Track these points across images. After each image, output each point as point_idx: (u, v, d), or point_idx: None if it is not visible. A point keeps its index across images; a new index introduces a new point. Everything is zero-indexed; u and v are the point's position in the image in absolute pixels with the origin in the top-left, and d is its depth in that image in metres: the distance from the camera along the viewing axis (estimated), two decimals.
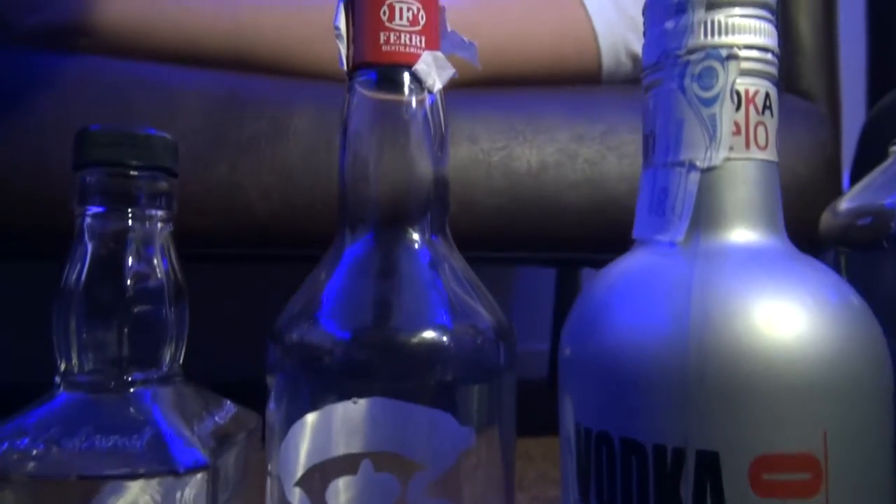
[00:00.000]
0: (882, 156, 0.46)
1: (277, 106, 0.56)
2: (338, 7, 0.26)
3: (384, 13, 0.24)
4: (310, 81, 0.58)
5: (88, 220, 0.23)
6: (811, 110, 0.67)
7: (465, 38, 0.28)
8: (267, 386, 0.24)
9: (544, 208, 0.57)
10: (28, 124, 0.52)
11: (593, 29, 0.62)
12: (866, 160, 0.64)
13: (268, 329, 0.24)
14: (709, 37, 0.17)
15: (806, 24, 0.72)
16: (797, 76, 0.72)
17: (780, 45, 0.73)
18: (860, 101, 0.77)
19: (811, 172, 0.62)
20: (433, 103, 0.25)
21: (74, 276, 0.22)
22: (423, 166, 0.24)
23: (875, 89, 0.75)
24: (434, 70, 0.24)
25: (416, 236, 0.23)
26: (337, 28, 0.25)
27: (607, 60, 0.64)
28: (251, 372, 0.39)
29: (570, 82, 0.65)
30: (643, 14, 0.19)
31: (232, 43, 0.58)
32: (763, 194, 0.17)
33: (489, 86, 0.63)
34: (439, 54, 0.25)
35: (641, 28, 0.63)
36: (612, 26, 0.63)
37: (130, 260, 0.23)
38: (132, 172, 0.23)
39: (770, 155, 0.18)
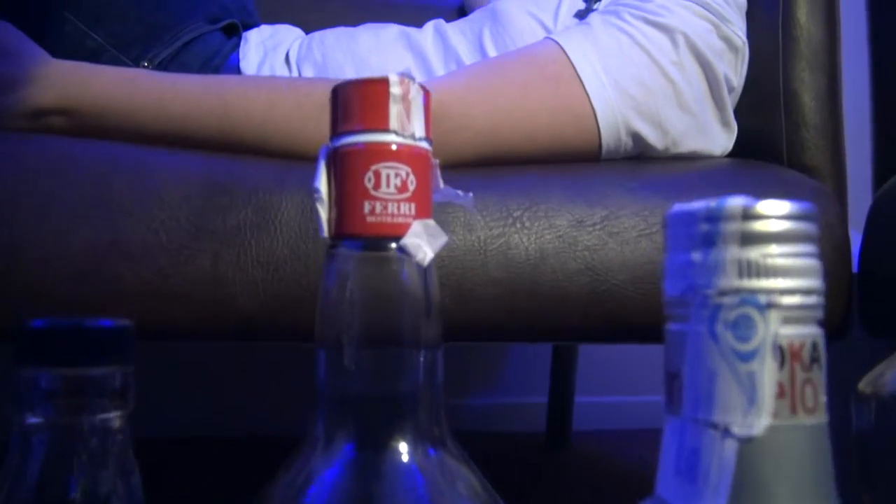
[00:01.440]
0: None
1: (264, 191, 0.53)
2: (318, 165, 0.24)
3: (369, 180, 0.22)
4: (299, 164, 0.56)
5: (28, 430, 0.21)
6: (816, 188, 0.65)
7: (460, 191, 0.25)
8: None
9: (543, 298, 0.55)
10: (1, 215, 0.50)
11: (592, 107, 0.61)
12: (876, 245, 0.62)
13: None
14: (744, 278, 0.15)
15: (809, 98, 0.70)
16: (800, 150, 0.70)
17: (782, 117, 0.71)
18: (866, 178, 0.75)
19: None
20: (424, 272, 0.22)
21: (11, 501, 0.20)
22: (413, 352, 0.21)
23: (881, 166, 0.74)
24: (425, 241, 0.22)
25: (405, 451, 0.20)
26: (317, 190, 0.23)
27: (607, 139, 0.62)
28: None
29: (569, 160, 0.63)
30: (664, 228, 0.17)
31: (218, 123, 0.56)
32: (813, 467, 0.15)
33: (484, 166, 0.61)
34: (430, 222, 0.22)
35: (642, 107, 0.61)
36: (611, 104, 0.61)
37: (79, 481, 0.20)
38: (82, 373, 0.21)
39: (820, 417, 0.15)
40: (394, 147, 0.22)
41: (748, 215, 0.15)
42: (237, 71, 0.72)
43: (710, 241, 0.15)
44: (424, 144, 0.23)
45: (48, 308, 0.52)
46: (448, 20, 1.34)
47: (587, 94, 0.60)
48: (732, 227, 0.15)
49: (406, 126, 0.22)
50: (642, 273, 0.56)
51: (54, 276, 0.50)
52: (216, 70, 0.71)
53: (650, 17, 0.63)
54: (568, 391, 1.18)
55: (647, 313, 0.55)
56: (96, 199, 0.51)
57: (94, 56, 0.65)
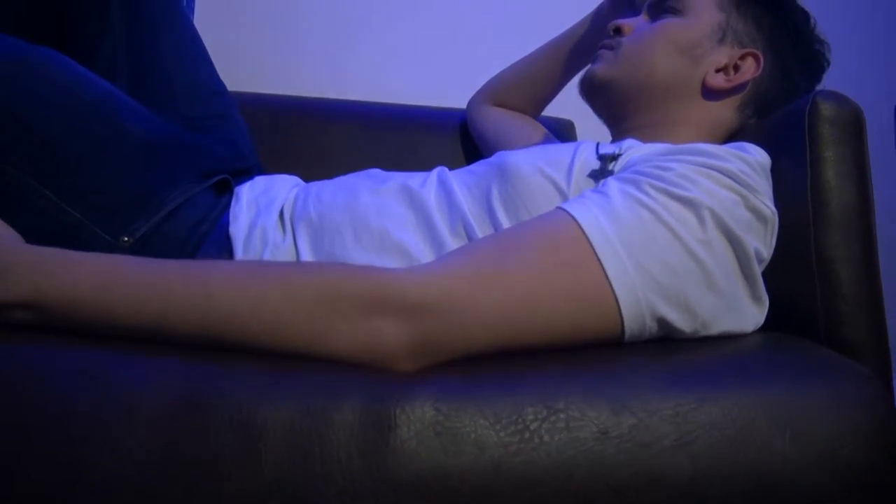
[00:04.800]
0: None
1: (248, 407, 0.47)
2: None
3: None
4: (289, 369, 0.50)
5: None
6: (858, 374, 0.58)
7: None
8: None
9: None
10: None
11: (613, 293, 0.55)
12: None
13: None
14: None
15: (844, 267, 0.65)
16: (838, 324, 0.64)
17: (816, 287, 0.64)
18: None
19: (868, 464, 0.53)
20: None
21: None
22: None
23: None
24: None
25: None
26: None
27: (630, 326, 0.56)
28: None
29: (589, 345, 0.57)
30: None
31: (200, 321, 0.50)
32: None
33: (497, 358, 0.55)
34: None
35: (668, 290, 0.55)
36: (634, 289, 0.55)
37: None
38: None
39: None
40: None
41: None
42: (226, 238, 0.66)
43: None
44: None
45: None
46: (451, 137, 1.33)
47: (608, 280, 0.55)
48: None
49: None
50: (679, 495, 0.49)
51: None
52: (203, 238, 0.66)
53: (673, 190, 0.58)
54: None
55: None
56: (55, 425, 0.45)
57: (70, 233, 0.60)
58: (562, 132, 1.29)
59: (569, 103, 1.10)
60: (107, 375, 0.47)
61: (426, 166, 1.31)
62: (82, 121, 0.64)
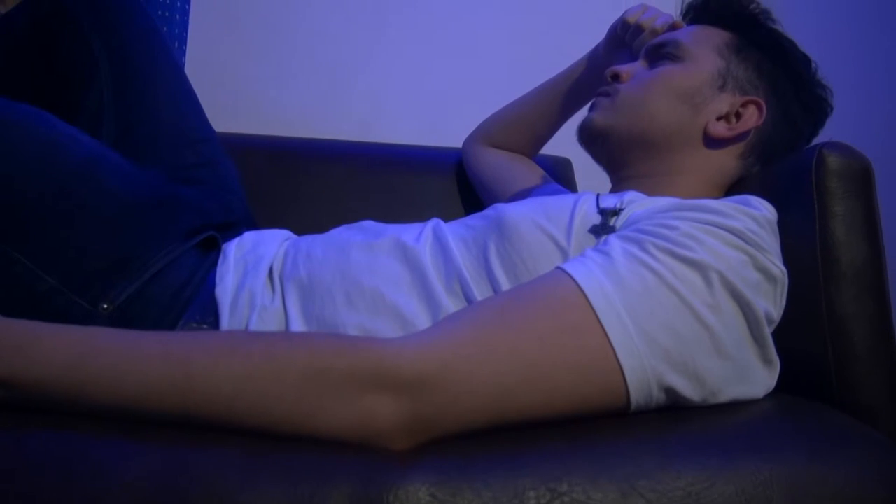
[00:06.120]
0: None
1: (230, 495, 0.44)
2: None
3: None
4: (275, 452, 0.47)
5: None
6: (874, 442, 0.55)
7: None
8: None
9: None
10: None
11: (618, 362, 0.52)
12: None
13: None
14: None
15: (857, 325, 0.62)
16: (853, 387, 0.61)
17: (828, 347, 0.60)
18: None
19: None
20: None
21: None
22: None
23: None
24: None
25: None
26: None
27: (636, 396, 0.53)
28: None
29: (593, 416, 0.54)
30: None
31: (181, 400, 0.47)
32: None
33: (496, 433, 0.52)
34: None
35: (675, 358, 0.52)
36: (640, 358, 0.53)
37: None
38: None
39: None
40: None
41: None
42: (212, 302, 0.63)
43: None
44: None
45: None
46: (447, 176, 1.31)
47: (612, 348, 0.52)
48: None
49: None
50: None
51: None
52: (188, 302, 0.63)
53: (679, 251, 0.55)
54: None
55: None
56: None
57: (46, 301, 0.57)
58: (559, 171, 1.28)
59: (566, 141, 1.08)
60: (73, 463, 0.44)
61: (421, 206, 1.29)
62: (60, 182, 0.62)
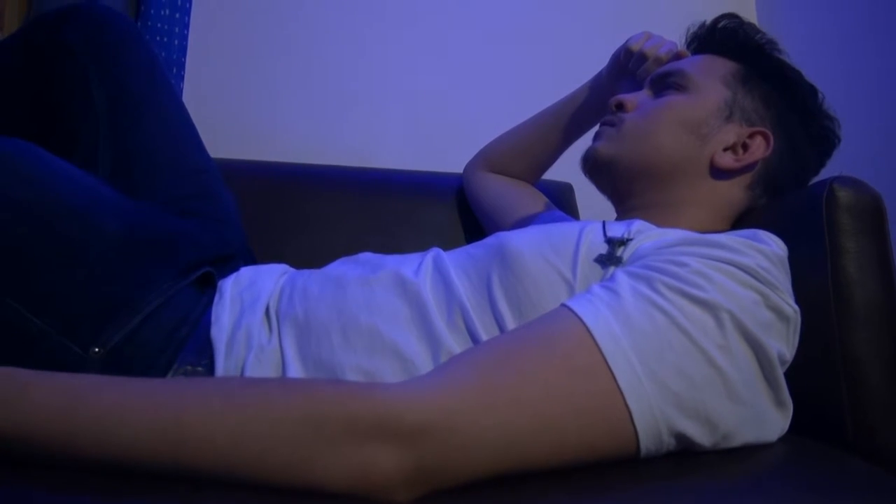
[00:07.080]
0: None
1: None
2: None
3: None
4: None
5: None
6: (890, 489, 0.53)
7: None
8: None
9: None
10: None
11: (627, 407, 0.50)
12: None
13: None
14: None
15: (872, 368, 0.60)
16: (868, 432, 0.59)
17: (843, 390, 0.58)
18: None
19: None
20: None
21: None
22: None
23: None
24: None
25: None
26: None
27: (646, 442, 0.51)
28: None
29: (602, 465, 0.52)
30: None
31: (173, 453, 0.45)
32: None
33: (500, 483, 0.50)
34: None
35: (686, 403, 0.50)
36: (649, 402, 0.51)
37: None
38: None
39: None
40: None
41: None
42: (207, 342, 0.61)
43: None
44: None
45: None
46: (447, 202, 1.29)
47: (621, 392, 0.50)
48: None
49: None
50: None
51: None
52: (183, 343, 0.61)
53: (689, 290, 0.54)
54: None
55: None
56: None
57: (35, 344, 0.55)
58: (561, 196, 1.26)
59: (568, 166, 1.07)
60: None
61: (421, 232, 1.27)
62: (50, 221, 0.60)
